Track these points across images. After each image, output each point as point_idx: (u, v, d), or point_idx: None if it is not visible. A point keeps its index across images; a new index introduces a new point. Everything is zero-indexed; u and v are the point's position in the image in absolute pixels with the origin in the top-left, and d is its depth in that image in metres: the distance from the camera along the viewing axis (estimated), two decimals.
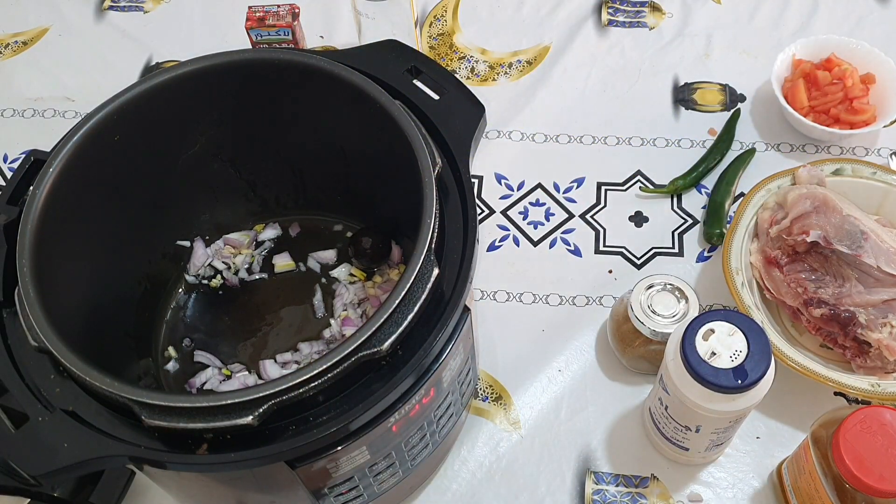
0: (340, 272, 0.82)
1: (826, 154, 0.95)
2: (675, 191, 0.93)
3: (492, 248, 0.91)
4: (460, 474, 0.77)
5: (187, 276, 0.82)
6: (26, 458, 0.52)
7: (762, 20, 1.08)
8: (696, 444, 0.71)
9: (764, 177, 0.86)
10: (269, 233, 0.85)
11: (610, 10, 1.10)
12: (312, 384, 0.52)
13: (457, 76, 0.72)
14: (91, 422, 0.54)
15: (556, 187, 0.95)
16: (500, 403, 0.81)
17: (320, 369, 0.52)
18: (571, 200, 0.94)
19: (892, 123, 0.90)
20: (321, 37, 1.09)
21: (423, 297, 0.56)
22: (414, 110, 0.66)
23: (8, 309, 0.59)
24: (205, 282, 0.82)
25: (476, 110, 0.68)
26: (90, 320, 0.66)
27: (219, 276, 0.82)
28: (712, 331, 0.64)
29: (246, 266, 0.83)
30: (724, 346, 0.63)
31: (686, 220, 0.91)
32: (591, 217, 0.92)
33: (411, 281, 0.55)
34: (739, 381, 0.62)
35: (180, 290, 0.82)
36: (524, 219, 0.93)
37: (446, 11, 1.12)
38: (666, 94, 1.02)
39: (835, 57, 0.96)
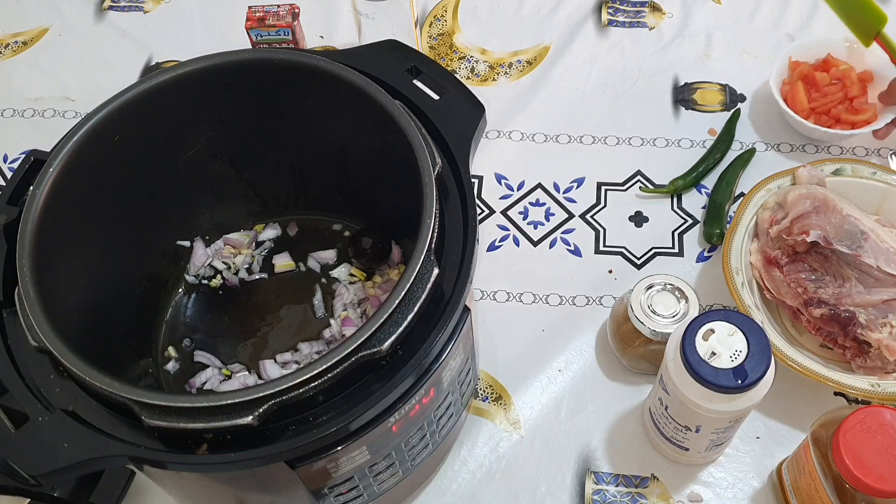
0: (340, 272, 0.82)
1: (826, 154, 0.95)
2: (675, 191, 0.93)
3: (492, 248, 0.91)
4: (460, 474, 0.77)
5: (187, 276, 0.82)
6: (26, 458, 0.52)
7: (762, 20, 1.08)
8: (696, 444, 0.71)
9: (764, 177, 0.86)
10: (269, 233, 0.85)
11: (610, 10, 1.10)
12: (312, 384, 0.52)
13: (457, 76, 0.72)
14: (91, 422, 0.54)
15: (556, 187, 0.95)
16: (500, 403, 0.81)
17: (320, 369, 0.52)
18: (571, 200, 0.94)
19: (894, 122, 0.90)
20: (321, 37, 1.09)
21: (423, 297, 0.56)
22: (414, 110, 0.66)
23: (8, 309, 0.59)
24: (205, 282, 0.82)
25: (476, 110, 0.68)
26: (90, 320, 0.66)
27: (219, 276, 0.82)
28: (712, 331, 0.64)
29: (246, 266, 0.83)
30: (724, 346, 0.63)
31: (686, 220, 0.91)
32: (591, 217, 0.92)
33: (411, 281, 0.55)
34: (739, 381, 0.62)
35: (180, 290, 0.82)
36: (524, 219, 0.93)
37: (446, 11, 1.12)
38: (666, 94, 1.02)
39: (831, 57, 0.96)
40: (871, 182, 0.85)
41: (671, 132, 0.98)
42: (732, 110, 0.98)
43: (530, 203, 0.94)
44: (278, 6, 0.98)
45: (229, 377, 0.76)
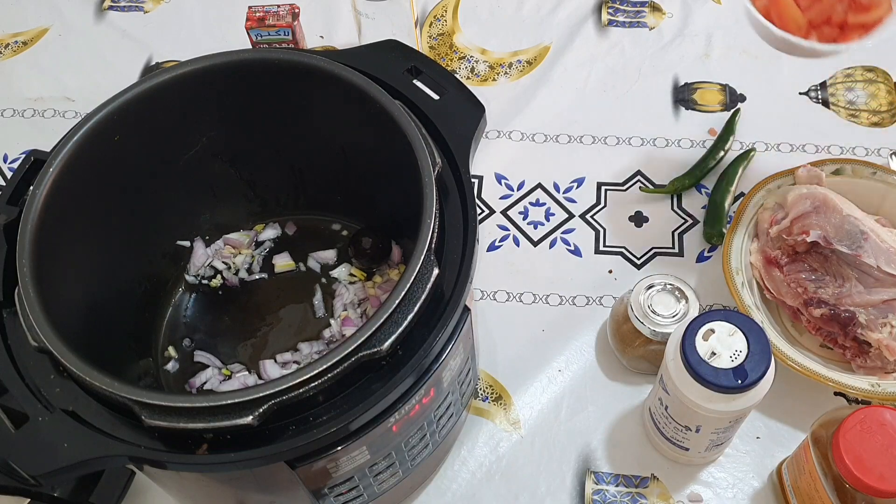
0: (340, 272, 0.82)
1: (826, 154, 0.95)
2: (675, 191, 0.93)
3: (492, 248, 0.91)
4: (460, 474, 0.77)
5: (187, 276, 0.82)
6: (26, 458, 0.52)
7: None
8: (696, 444, 0.71)
9: (764, 177, 0.86)
10: (269, 233, 0.85)
11: (610, 10, 1.10)
12: (312, 384, 0.52)
13: (457, 76, 0.72)
14: (91, 422, 0.54)
15: (556, 187, 0.95)
16: (500, 403, 0.81)
17: (320, 369, 0.52)
18: (571, 200, 0.94)
19: None
20: (321, 37, 1.09)
21: (423, 297, 0.56)
22: (414, 110, 0.66)
23: (8, 309, 0.59)
24: (205, 282, 0.82)
25: (476, 110, 0.68)
26: (90, 320, 0.66)
27: (219, 276, 0.82)
28: (712, 331, 0.64)
29: (246, 266, 0.83)
30: (724, 346, 0.63)
31: (686, 220, 0.91)
32: (591, 217, 0.92)
33: (411, 281, 0.55)
34: (739, 381, 0.62)
35: (180, 290, 0.82)
36: (524, 219, 0.93)
37: (446, 11, 1.12)
38: (666, 94, 1.02)
39: None
40: (871, 182, 0.85)
41: (671, 132, 0.98)
42: (732, 110, 0.98)
43: (530, 203, 0.94)
44: (278, 6, 0.98)
45: (229, 377, 0.76)
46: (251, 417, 0.51)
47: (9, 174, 1.00)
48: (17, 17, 1.15)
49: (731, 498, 0.75)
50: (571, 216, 0.93)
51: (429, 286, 0.56)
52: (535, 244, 0.91)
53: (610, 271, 0.88)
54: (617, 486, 0.76)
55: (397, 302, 0.55)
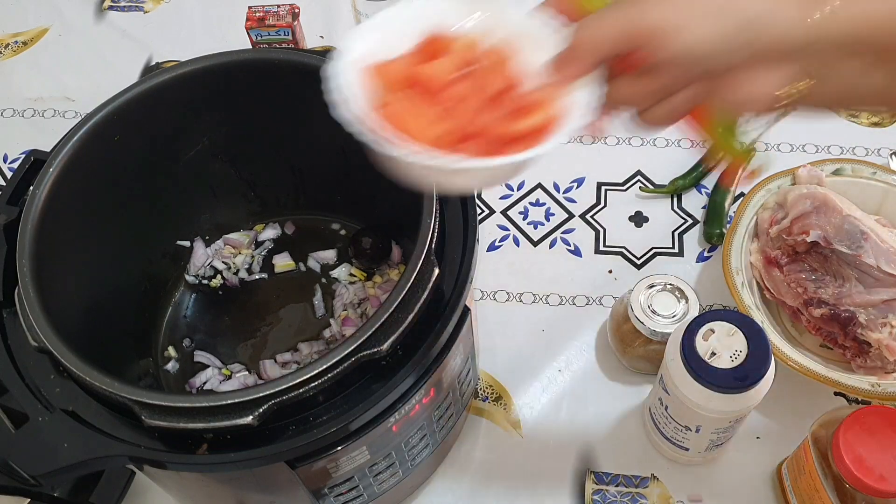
0: (340, 272, 0.82)
1: (826, 154, 0.95)
2: (675, 191, 0.93)
3: (492, 248, 0.91)
4: (460, 475, 0.77)
5: (187, 276, 0.82)
6: (26, 458, 0.52)
7: None
8: (696, 444, 0.71)
9: (764, 177, 0.86)
10: (269, 233, 0.85)
11: None
12: (312, 384, 0.52)
13: None
14: (91, 422, 0.54)
15: (556, 187, 0.95)
16: (500, 403, 0.80)
17: (320, 369, 0.52)
18: (571, 200, 0.94)
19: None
20: (321, 37, 1.09)
21: (423, 297, 0.55)
22: None
23: (8, 309, 0.59)
24: (205, 282, 0.82)
25: None
26: (90, 320, 0.66)
27: (219, 276, 0.82)
28: (712, 331, 0.64)
29: (246, 266, 0.83)
30: (724, 346, 0.63)
31: (686, 220, 0.91)
32: (591, 217, 0.92)
33: (411, 281, 0.55)
34: (739, 381, 0.62)
35: (180, 289, 0.82)
36: (524, 219, 0.93)
37: None
38: None
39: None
40: (871, 182, 0.85)
41: (671, 132, 0.98)
42: None
43: (530, 203, 0.94)
44: (278, 6, 0.98)
45: (229, 377, 0.76)
46: (251, 417, 0.51)
47: (9, 174, 1.00)
48: (17, 17, 1.15)
49: (731, 498, 0.75)
50: (571, 216, 0.93)
51: (429, 286, 0.56)
52: (536, 244, 0.91)
53: (610, 271, 0.88)
54: (617, 486, 0.75)
55: (397, 302, 0.55)
